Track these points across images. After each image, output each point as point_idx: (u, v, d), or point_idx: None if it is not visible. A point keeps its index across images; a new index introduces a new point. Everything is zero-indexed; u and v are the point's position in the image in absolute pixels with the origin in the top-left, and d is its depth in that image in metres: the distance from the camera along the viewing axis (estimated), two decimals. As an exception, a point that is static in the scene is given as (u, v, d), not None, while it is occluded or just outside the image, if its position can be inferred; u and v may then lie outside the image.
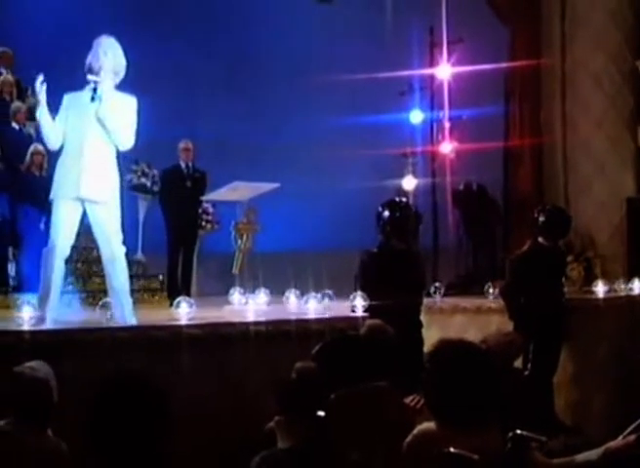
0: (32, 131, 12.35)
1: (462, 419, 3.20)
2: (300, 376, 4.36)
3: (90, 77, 7.77)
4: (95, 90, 7.72)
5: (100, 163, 7.75)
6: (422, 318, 8.44)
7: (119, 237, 7.79)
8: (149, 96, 13.80)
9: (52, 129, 7.77)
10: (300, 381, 4.33)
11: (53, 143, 7.88)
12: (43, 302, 7.44)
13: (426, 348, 7.86)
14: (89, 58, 7.87)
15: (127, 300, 7.70)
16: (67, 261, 11.96)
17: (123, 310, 7.51)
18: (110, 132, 7.70)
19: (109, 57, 7.89)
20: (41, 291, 7.65)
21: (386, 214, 8.28)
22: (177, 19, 14.63)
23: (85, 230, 12.94)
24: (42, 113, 7.74)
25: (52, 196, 7.79)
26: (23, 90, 12.50)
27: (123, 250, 7.79)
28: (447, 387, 3.26)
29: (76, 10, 13.88)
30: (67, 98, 7.90)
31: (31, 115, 12.40)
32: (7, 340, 6.43)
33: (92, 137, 7.69)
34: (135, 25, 14.12)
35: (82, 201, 7.66)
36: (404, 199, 9.40)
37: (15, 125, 11.64)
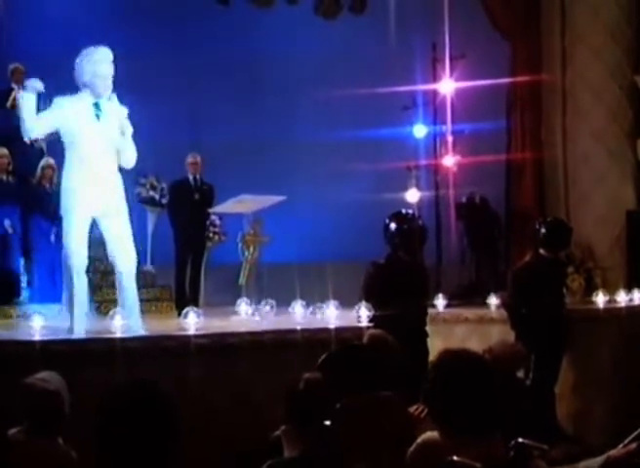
0: (43, 145, 12.38)
1: (465, 429, 3.19)
2: (307, 386, 4.36)
3: (91, 91, 7.76)
4: (97, 105, 7.73)
5: (110, 176, 7.80)
6: (427, 328, 8.44)
7: (133, 249, 7.87)
8: (157, 109, 13.89)
9: (33, 119, 7.75)
10: (308, 391, 4.33)
11: (30, 132, 7.96)
12: (70, 313, 7.47)
13: (431, 358, 7.88)
14: (85, 71, 7.79)
15: (137, 311, 7.73)
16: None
17: (134, 320, 7.52)
18: (120, 151, 7.77)
19: (111, 67, 7.87)
20: (66, 302, 7.70)
21: (393, 226, 8.28)
22: (184, 32, 14.63)
23: (95, 241, 13.00)
24: (27, 98, 7.75)
25: (62, 210, 7.80)
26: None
27: (135, 261, 7.88)
28: (449, 397, 3.26)
29: (87, 23, 13.90)
30: (64, 103, 7.82)
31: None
32: (19, 350, 6.45)
33: (100, 152, 7.71)
34: (143, 39, 14.18)
35: (92, 214, 7.71)
36: (410, 211, 9.39)
37: (26, 139, 11.63)
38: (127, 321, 7.39)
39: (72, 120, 7.74)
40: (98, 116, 7.69)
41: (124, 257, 7.79)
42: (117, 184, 7.89)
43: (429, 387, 3.36)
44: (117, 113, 7.83)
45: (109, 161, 7.79)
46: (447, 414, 3.25)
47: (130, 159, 7.98)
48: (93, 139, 7.70)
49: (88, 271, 11.95)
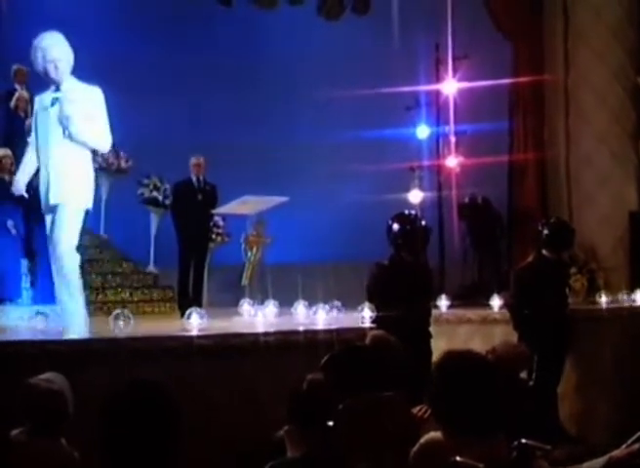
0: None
1: (468, 429, 3.19)
2: (310, 387, 4.35)
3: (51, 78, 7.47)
4: (56, 91, 7.45)
5: (69, 166, 7.43)
6: (431, 329, 8.43)
7: (72, 243, 7.48)
8: (160, 110, 13.90)
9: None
10: (311, 392, 4.32)
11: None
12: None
13: (434, 358, 7.88)
14: (37, 58, 7.50)
15: (76, 303, 7.47)
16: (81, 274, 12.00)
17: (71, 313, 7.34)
18: (77, 135, 7.36)
19: (63, 50, 7.53)
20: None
21: (396, 226, 8.27)
22: (187, 33, 14.64)
23: (99, 243, 13.02)
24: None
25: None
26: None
27: (76, 257, 7.52)
28: (453, 397, 3.25)
29: (90, 24, 13.91)
30: (36, 101, 7.73)
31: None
32: (21, 350, 6.44)
33: (57, 143, 7.40)
34: (146, 40, 14.21)
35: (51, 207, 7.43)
36: (413, 212, 9.38)
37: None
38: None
39: (39, 116, 7.60)
40: (53, 103, 7.38)
41: (65, 252, 7.41)
42: (76, 173, 7.47)
43: (433, 387, 3.36)
44: (80, 97, 7.46)
45: (67, 149, 7.40)
46: (450, 415, 3.24)
47: (99, 142, 7.63)
48: (48, 127, 7.42)
49: (90, 273, 12.07)
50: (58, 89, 7.45)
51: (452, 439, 3.24)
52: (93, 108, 7.50)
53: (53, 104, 7.38)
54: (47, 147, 7.46)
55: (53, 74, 7.47)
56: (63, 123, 7.30)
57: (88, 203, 7.63)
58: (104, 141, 7.65)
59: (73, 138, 7.35)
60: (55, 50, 7.49)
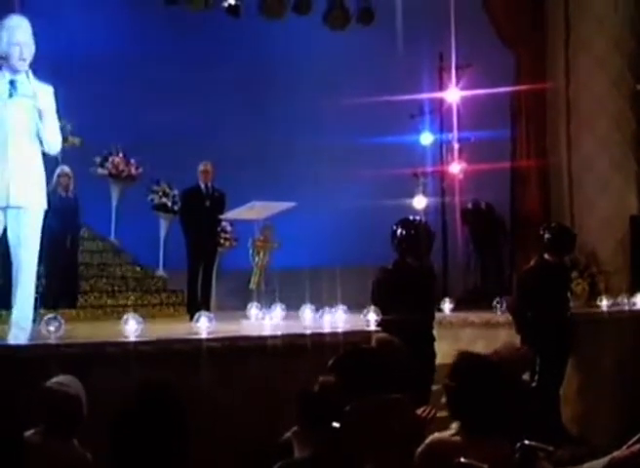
0: (58, 154, 12.39)
1: (479, 427, 3.21)
2: (321, 389, 4.35)
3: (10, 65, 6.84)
4: (12, 83, 6.83)
5: (27, 166, 6.94)
6: (435, 332, 8.42)
7: (34, 246, 7.02)
8: (170, 118, 13.91)
9: None
10: (321, 394, 4.32)
11: None
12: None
13: (438, 360, 7.88)
14: (3, 40, 6.84)
15: (30, 310, 7.02)
16: (90, 277, 12.01)
17: (24, 320, 6.91)
18: (40, 134, 6.88)
19: (23, 34, 6.89)
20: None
21: (401, 231, 8.26)
22: (196, 43, 14.66)
23: (110, 248, 13.03)
24: None
25: None
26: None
27: (34, 260, 7.05)
28: (468, 395, 3.28)
29: (102, 35, 13.96)
30: None
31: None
32: (34, 353, 6.44)
33: (16, 138, 6.85)
34: (156, 50, 14.23)
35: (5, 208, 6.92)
36: (417, 217, 9.36)
37: (41, 147, 11.66)
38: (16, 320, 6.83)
39: None
40: (11, 94, 6.79)
41: (21, 253, 6.95)
42: (35, 173, 6.99)
43: (452, 385, 3.39)
44: (37, 92, 6.89)
45: (25, 145, 6.89)
46: (468, 415, 3.26)
47: (51, 143, 7.05)
48: (4, 120, 6.82)
49: (101, 277, 12.09)
50: (13, 81, 6.85)
51: (465, 435, 3.26)
52: (50, 105, 7.00)
53: (11, 95, 6.80)
54: (5, 142, 6.85)
55: (15, 59, 6.88)
56: (36, 115, 6.83)
57: (45, 204, 7.19)
58: (58, 143, 7.19)
59: (41, 134, 6.90)
60: (20, 32, 6.90)
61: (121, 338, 7.01)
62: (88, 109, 12.75)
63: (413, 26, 13.49)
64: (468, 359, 3.50)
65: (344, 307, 8.50)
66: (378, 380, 4.56)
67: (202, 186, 11.78)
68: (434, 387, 7.57)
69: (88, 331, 8.44)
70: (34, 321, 7.04)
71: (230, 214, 11.63)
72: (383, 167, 13.88)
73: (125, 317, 7.26)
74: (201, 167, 11.80)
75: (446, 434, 3.72)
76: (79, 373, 4.99)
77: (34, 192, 7.05)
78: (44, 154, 7.15)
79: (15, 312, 6.94)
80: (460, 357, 3.54)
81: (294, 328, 8.41)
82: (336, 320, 8.37)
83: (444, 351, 8.31)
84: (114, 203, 13.42)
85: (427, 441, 3.84)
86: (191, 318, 8.36)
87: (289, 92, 14.82)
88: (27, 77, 6.96)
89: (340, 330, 7.94)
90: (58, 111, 7.03)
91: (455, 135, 13.67)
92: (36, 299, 7.34)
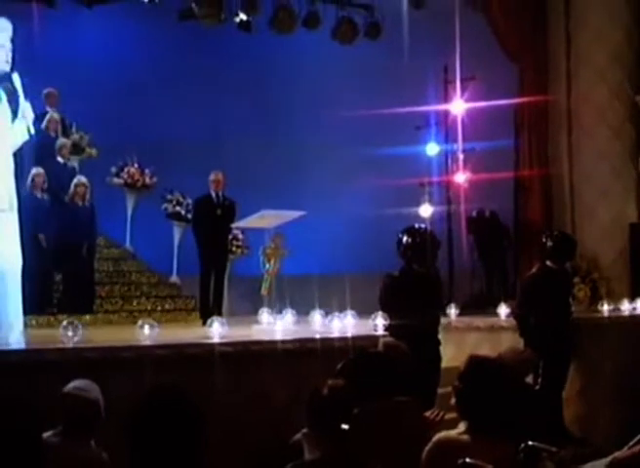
0: (76, 164, 12.47)
1: (492, 429, 3.22)
2: (330, 392, 4.34)
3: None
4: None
5: (3, 167, 6.77)
6: (440, 336, 8.41)
7: (19, 250, 6.73)
8: (182, 129, 13.94)
9: None
10: (331, 397, 4.31)
11: None
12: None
13: (443, 364, 7.87)
14: None
15: (20, 318, 6.88)
16: (106, 284, 12.03)
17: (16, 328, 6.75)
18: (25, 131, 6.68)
19: (3, 36, 6.78)
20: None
21: (407, 239, 8.26)
22: (209, 56, 14.69)
23: (125, 255, 13.05)
24: None
25: None
26: (68, 126, 12.59)
27: (18, 263, 6.80)
28: (478, 396, 3.29)
29: (115, 50, 14.00)
30: None
31: (75, 150, 12.51)
32: (52, 357, 6.45)
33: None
34: (169, 63, 14.26)
35: None
36: (422, 225, 9.35)
37: (60, 159, 11.71)
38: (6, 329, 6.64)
39: None
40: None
41: (11, 258, 6.76)
42: (8, 174, 6.79)
43: (462, 386, 3.41)
44: (16, 95, 6.79)
45: (2, 148, 6.77)
46: (478, 416, 3.28)
47: (15, 143, 6.90)
48: None
49: (116, 283, 12.12)
50: None
51: (471, 435, 3.27)
52: (26, 109, 6.89)
53: None
54: None
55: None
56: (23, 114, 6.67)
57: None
58: (19, 141, 6.99)
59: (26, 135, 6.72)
60: (2, 36, 6.79)
61: (136, 343, 7.02)
62: (104, 122, 12.81)
63: (419, 40, 13.50)
64: (478, 362, 3.51)
65: (353, 312, 8.49)
66: (385, 383, 4.56)
67: (213, 195, 11.78)
68: (440, 390, 7.57)
69: (104, 335, 8.44)
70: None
71: (241, 223, 11.64)
72: (390, 177, 13.88)
73: (140, 322, 7.27)
74: (212, 176, 11.80)
75: (453, 432, 3.72)
76: (96, 376, 4.99)
77: (8, 193, 6.82)
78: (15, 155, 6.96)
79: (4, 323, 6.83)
80: (470, 360, 3.55)
81: (304, 332, 8.41)
82: (345, 325, 8.37)
83: (449, 355, 8.32)
84: (129, 212, 13.44)
85: (435, 439, 3.83)
86: (204, 323, 8.39)
87: (298, 103, 14.84)
88: (8, 80, 6.84)
89: (348, 334, 7.94)
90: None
91: (460, 145, 13.68)
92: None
